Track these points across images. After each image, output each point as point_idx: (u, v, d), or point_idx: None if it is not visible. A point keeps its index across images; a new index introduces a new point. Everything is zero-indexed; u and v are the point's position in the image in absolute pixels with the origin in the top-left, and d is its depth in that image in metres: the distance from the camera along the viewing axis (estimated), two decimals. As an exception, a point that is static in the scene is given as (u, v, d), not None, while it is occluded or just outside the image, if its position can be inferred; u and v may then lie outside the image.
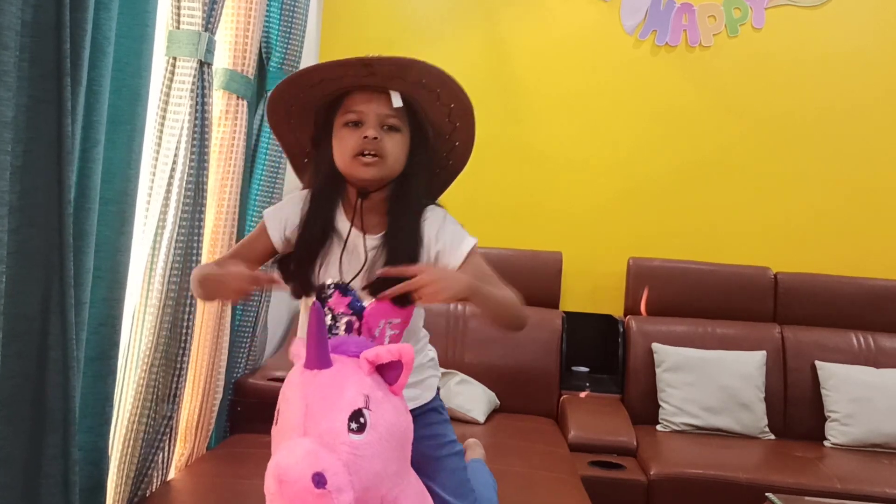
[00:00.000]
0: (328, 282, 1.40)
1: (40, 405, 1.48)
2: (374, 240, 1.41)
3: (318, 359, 1.09)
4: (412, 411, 1.25)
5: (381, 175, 1.38)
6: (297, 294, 1.43)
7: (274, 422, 1.13)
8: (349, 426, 1.05)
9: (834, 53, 3.53)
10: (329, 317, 1.38)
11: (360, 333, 1.36)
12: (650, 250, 3.50)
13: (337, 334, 1.36)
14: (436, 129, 1.45)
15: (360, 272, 1.39)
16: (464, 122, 1.45)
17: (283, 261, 1.46)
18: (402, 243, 1.38)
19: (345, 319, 1.37)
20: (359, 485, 1.03)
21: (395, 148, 1.38)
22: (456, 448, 1.54)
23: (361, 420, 1.06)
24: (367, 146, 1.35)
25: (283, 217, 1.46)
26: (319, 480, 0.97)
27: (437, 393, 1.56)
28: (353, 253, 1.41)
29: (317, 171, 1.46)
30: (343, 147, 1.38)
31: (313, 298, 1.38)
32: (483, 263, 1.41)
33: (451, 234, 1.41)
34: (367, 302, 1.37)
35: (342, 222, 1.43)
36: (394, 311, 1.37)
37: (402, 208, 1.41)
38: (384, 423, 1.09)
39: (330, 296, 1.38)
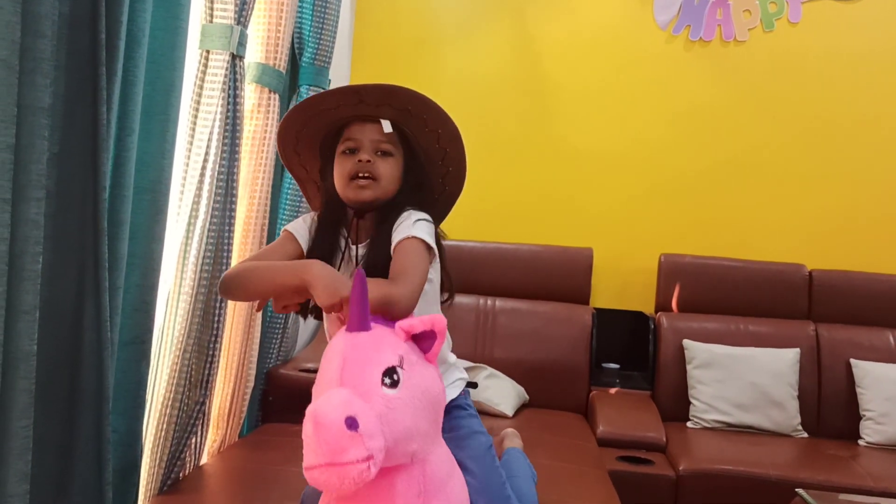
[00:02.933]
0: None
1: (75, 386, 1.52)
2: (362, 248, 1.49)
3: (359, 322, 1.16)
4: None
5: (375, 196, 1.47)
6: (303, 313, 1.51)
7: (315, 382, 1.18)
8: (383, 381, 1.11)
9: (871, 47, 3.47)
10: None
11: None
12: (682, 246, 3.48)
13: None
14: (427, 154, 1.53)
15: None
16: (452, 147, 1.53)
17: None
18: (380, 250, 1.44)
19: None
20: (390, 436, 1.07)
21: (388, 170, 1.48)
22: (480, 439, 1.56)
23: (395, 377, 1.12)
24: (361, 168, 1.45)
25: (304, 230, 1.54)
26: (352, 423, 1.02)
27: (466, 394, 1.62)
28: (349, 264, 1.51)
29: (324, 199, 1.57)
30: (341, 171, 1.48)
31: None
32: (411, 253, 1.37)
33: (405, 225, 1.42)
34: None
35: (343, 241, 1.52)
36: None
37: (383, 220, 1.47)
38: (416, 383, 1.15)
39: None
